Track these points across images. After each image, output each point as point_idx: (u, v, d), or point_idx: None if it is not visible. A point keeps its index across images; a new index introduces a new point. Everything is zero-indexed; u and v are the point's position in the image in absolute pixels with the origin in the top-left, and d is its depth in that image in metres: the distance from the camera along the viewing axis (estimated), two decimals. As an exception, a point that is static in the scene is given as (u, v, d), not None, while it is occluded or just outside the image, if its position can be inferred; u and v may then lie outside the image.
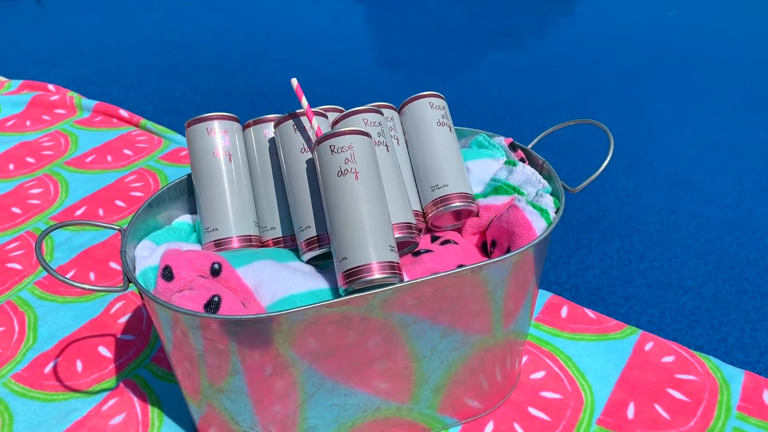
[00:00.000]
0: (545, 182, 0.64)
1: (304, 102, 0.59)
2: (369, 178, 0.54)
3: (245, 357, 0.53)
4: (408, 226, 0.58)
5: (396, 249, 0.54)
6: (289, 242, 0.62)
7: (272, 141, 0.63)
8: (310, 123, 0.58)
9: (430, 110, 0.65)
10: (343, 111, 0.66)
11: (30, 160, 1.16)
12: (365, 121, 0.60)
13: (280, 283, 0.55)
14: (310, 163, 0.58)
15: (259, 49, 1.72)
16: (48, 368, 0.76)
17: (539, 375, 0.74)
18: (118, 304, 0.84)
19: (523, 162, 0.67)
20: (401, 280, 0.53)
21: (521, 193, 0.63)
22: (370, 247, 0.52)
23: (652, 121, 1.33)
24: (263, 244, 0.62)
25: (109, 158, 1.16)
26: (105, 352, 0.78)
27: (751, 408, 0.70)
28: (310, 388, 0.57)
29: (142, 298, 0.55)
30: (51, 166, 1.14)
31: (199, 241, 0.63)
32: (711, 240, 0.98)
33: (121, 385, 0.74)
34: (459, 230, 0.66)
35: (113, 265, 0.92)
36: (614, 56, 1.64)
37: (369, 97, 1.45)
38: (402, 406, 0.63)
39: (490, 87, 1.49)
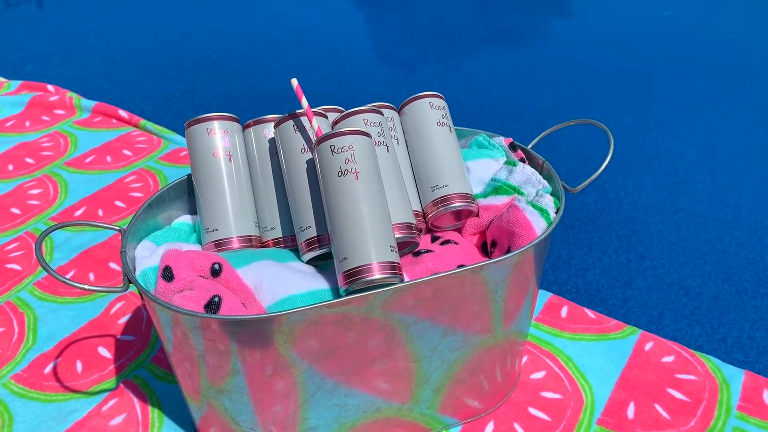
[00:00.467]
0: (545, 182, 0.64)
1: (305, 102, 0.59)
2: (369, 178, 0.54)
3: (245, 357, 0.53)
4: (408, 226, 0.58)
5: (396, 249, 0.54)
6: (290, 242, 0.62)
7: (272, 141, 0.63)
8: (310, 123, 0.58)
9: (430, 110, 0.65)
10: (343, 111, 0.66)
11: (29, 160, 1.16)
12: (365, 121, 0.60)
13: (280, 283, 0.55)
14: (311, 163, 0.58)
15: (259, 49, 1.72)
16: (48, 369, 0.76)
17: (539, 375, 0.74)
18: (118, 305, 0.84)
19: (523, 162, 0.67)
20: (402, 280, 0.53)
21: (521, 193, 0.63)
22: (370, 247, 0.52)
23: (651, 121, 1.33)
24: (263, 245, 0.62)
25: (108, 159, 1.16)
26: (105, 352, 0.78)
27: (751, 408, 0.70)
28: (310, 389, 0.57)
29: (142, 298, 0.55)
30: (50, 167, 1.14)
31: (199, 242, 0.63)
32: (711, 240, 0.98)
33: (121, 385, 0.74)
34: (459, 230, 0.66)
35: (113, 265, 0.91)
36: (614, 56, 1.64)
37: (369, 97, 1.45)
38: (402, 407, 0.63)
39: (489, 87, 1.49)
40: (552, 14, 2.00)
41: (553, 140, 1.17)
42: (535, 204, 0.61)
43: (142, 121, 1.26)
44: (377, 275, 0.51)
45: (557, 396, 0.71)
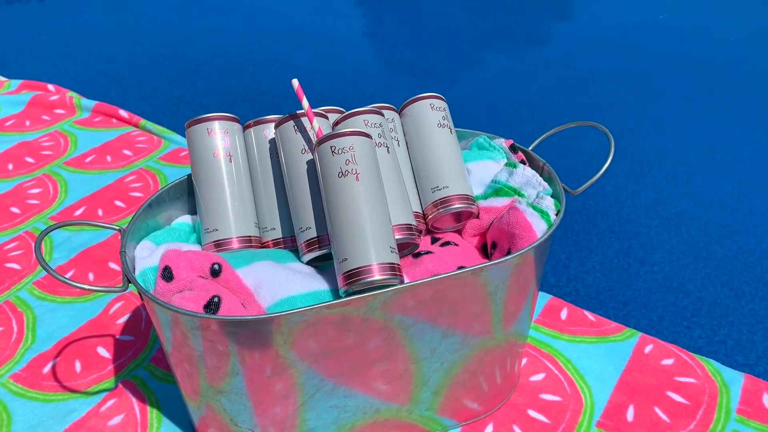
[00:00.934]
0: (546, 184, 0.64)
1: (305, 103, 0.59)
2: (369, 180, 0.54)
3: (245, 358, 0.53)
4: (408, 227, 0.58)
5: (396, 250, 0.54)
6: (290, 243, 0.61)
7: (273, 142, 0.63)
8: (311, 124, 0.58)
9: (431, 112, 0.65)
10: (344, 112, 0.66)
11: (29, 159, 1.16)
12: (366, 122, 0.60)
13: (280, 284, 0.55)
14: (311, 164, 0.58)
15: (260, 49, 1.72)
16: (47, 368, 0.76)
17: (539, 377, 0.74)
18: (118, 305, 0.84)
19: (524, 164, 0.67)
20: (401, 282, 0.53)
21: (522, 195, 0.63)
22: (370, 248, 0.52)
23: (651, 123, 1.33)
24: (263, 245, 0.62)
25: (108, 158, 1.16)
26: (104, 352, 0.78)
27: (751, 411, 0.70)
28: (309, 390, 0.57)
29: (141, 298, 0.55)
30: (50, 166, 1.14)
31: (199, 242, 0.63)
32: (710, 243, 0.98)
33: (120, 385, 0.73)
34: (459, 232, 0.66)
35: (112, 265, 0.91)
36: (614, 59, 1.64)
37: (369, 97, 1.45)
38: (402, 408, 0.63)
39: (490, 88, 1.49)
40: (552, 17, 2.00)
41: (553, 142, 1.17)
42: (536, 206, 0.61)
43: (143, 121, 1.26)
44: (377, 276, 0.51)
45: (557, 398, 0.71)
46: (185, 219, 0.65)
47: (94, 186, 1.09)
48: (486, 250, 0.65)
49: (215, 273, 0.56)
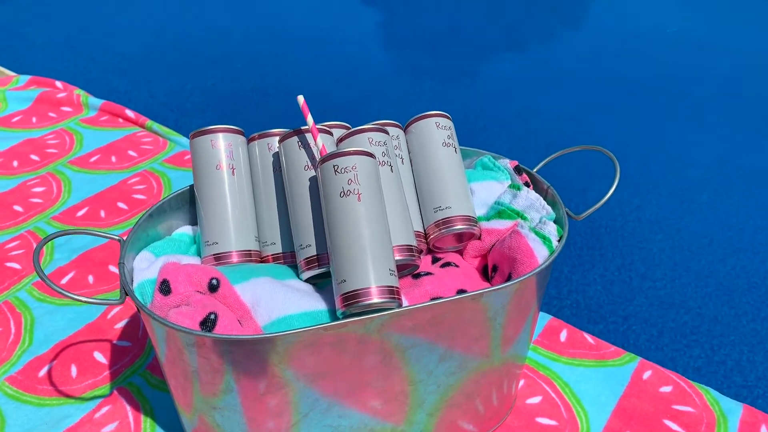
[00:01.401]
0: (549, 208, 0.64)
1: (310, 120, 0.58)
2: (371, 200, 0.53)
3: (240, 376, 0.53)
4: (409, 248, 0.57)
5: (396, 273, 0.53)
6: (289, 258, 0.61)
7: (276, 156, 0.63)
8: (315, 141, 0.58)
9: (436, 130, 0.65)
10: (349, 128, 0.65)
11: (34, 157, 1.16)
12: (370, 140, 0.60)
13: (277, 302, 0.54)
14: (313, 180, 0.58)
15: (268, 49, 1.72)
16: (42, 372, 0.76)
17: (535, 400, 0.73)
18: (116, 309, 0.84)
19: (528, 186, 0.67)
20: (400, 305, 0.52)
21: (525, 218, 0.63)
22: (369, 270, 0.51)
23: (656, 138, 1.33)
24: (263, 259, 0.62)
25: (113, 159, 1.16)
26: (100, 357, 0.78)
27: (749, 443, 0.69)
28: (304, 409, 0.56)
29: (138, 311, 0.55)
30: (55, 165, 1.14)
31: (199, 254, 0.62)
32: (713, 262, 0.97)
33: (115, 392, 0.73)
34: (460, 252, 0.66)
35: (113, 268, 0.91)
36: (620, 73, 1.64)
37: (373, 101, 1.44)
38: (396, 428, 0.62)
39: (496, 101, 1.49)
40: (560, 33, 2.00)
41: (558, 161, 1.16)
42: (538, 231, 0.60)
43: (149, 122, 1.26)
44: (375, 299, 0.51)
45: (552, 422, 0.71)
46: (186, 230, 0.65)
47: (98, 186, 1.09)
48: (486, 272, 0.65)
49: (213, 288, 0.55)
